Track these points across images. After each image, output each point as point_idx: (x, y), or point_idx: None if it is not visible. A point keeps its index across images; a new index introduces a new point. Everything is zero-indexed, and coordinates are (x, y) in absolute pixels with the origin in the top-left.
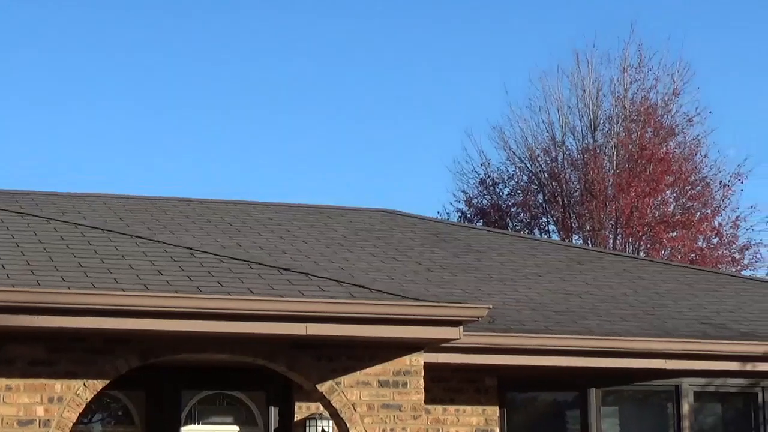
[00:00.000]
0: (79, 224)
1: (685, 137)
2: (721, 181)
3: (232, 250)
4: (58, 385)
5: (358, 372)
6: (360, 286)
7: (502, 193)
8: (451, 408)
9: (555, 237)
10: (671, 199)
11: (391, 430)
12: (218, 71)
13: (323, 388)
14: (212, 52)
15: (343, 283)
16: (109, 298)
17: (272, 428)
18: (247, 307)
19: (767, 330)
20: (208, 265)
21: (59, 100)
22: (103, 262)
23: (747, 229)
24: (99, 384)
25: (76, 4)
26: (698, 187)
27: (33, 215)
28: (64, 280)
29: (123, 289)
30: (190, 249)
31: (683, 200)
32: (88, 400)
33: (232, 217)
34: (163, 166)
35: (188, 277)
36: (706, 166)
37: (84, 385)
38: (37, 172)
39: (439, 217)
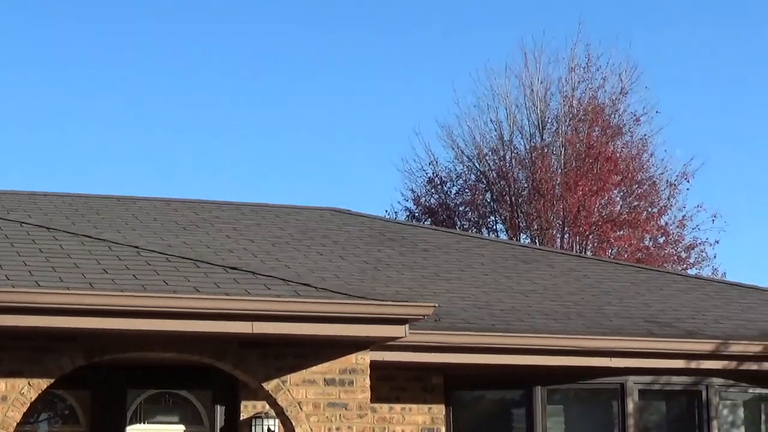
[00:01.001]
0: (24, 223)
1: (632, 136)
2: (667, 180)
3: (179, 248)
4: (2, 384)
5: (304, 370)
6: (306, 284)
7: (450, 191)
8: (398, 407)
9: (503, 236)
10: (618, 198)
11: (337, 428)
12: (169, 69)
13: (269, 386)
14: (156, 50)
15: (290, 281)
16: (54, 297)
17: (218, 427)
18: (193, 306)
19: (712, 328)
20: (154, 263)
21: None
22: (48, 260)
23: (693, 228)
24: (44, 383)
25: None
26: (645, 186)
27: None
28: (8, 279)
29: (68, 288)
30: (137, 248)
31: (630, 199)
32: (33, 399)
33: (179, 215)
34: (110, 164)
35: (134, 275)
36: (653, 165)
37: (29, 384)
38: None
39: (388, 216)
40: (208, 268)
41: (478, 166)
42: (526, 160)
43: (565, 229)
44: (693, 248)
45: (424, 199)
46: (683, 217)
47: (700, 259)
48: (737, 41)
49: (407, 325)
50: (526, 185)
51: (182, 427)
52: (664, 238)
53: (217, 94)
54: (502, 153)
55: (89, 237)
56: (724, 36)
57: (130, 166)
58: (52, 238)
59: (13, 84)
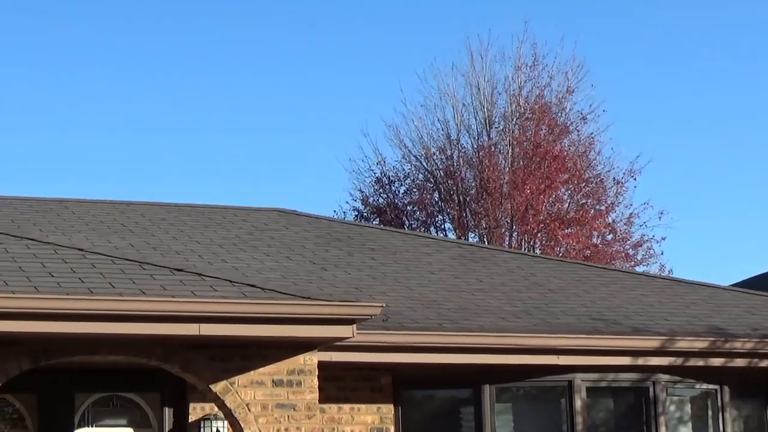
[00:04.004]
0: None
1: (579, 135)
2: (614, 178)
3: (125, 250)
4: None
5: (252, 372)
6: (252, 285)
7: (398, 191)
8: (346, 407)
9: (451, 235)
10: (566, 197)
11: (286, 429)
12: (110, 63)
13: (217, 388)
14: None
15: (236, 282)
16: None
17: (166, 429)
18: (139, 308)
19: (659, 325)
20: (100, 266)
21: None
22: None
23: (640, 226)
24: None
25: None
26: (592, 184)
27: None
28: None
29: (13, 292)
30: (82, 250)
31: (578, 197)
32: None
33: (125, 217)
34: (54, 167)
35: (80, 278)
36: (600, 163)
37: None
38: None
39: (335, 217)
40: (154, 270)
41: (425, 165)
42: (474, 159)
43: (514, 227)
44: (641, 245)
45: (372, 199)
46: (630, 214)
47: (647, 256)
48: (683, 37)
49: (355, 326)
50: (473, 184)
51: (130, 429)
52: (612, 235)
53: (160, 94)
54: (449, 152)
55: (34, 240)
56: (669, 32)
57: (75, 168)
58: None
59: None
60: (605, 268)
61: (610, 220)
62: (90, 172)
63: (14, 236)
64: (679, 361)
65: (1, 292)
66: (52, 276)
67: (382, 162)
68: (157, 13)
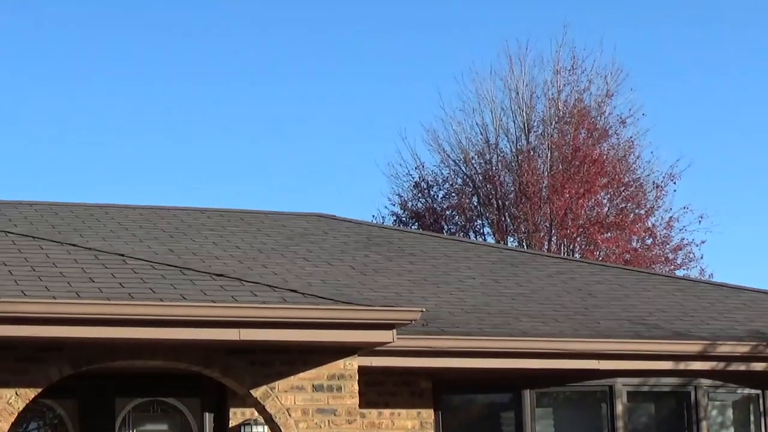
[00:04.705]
0: (9, 232)
1: (618, 139)
2: (654, 182)
3: (165, 256)
4: None
5: (292, 377)
6: (293, 290)
7: (437, 196)
8: (386, 412)
9: (490, 239)
10: (605, 201)
11: None
12: (151, 76)
13: (257, 393)
14: (145, 51)
15: (276, 288)
16: (40, 306)
17: None
18: (180, 313)
19: (700, 329)
20: (141, 271)
21: None
22: (34, 269)
23: (680, 230)
24: (31, 393)
25: None
26: (632, 188)
27: None
28: None
29: (54, 297)
30: (123, 255)
31: (617, 201)
32: (21, 409)
33: (165, 223)
34: (95, 173)
35: (120, 283)
36: (639, 167)
37: (16, 394)
38: None
39: (374, 221)
40: (195, 275)
41: (464, 169)
42: (513, 163)
43: (553, 231)
44: (680, 249)
45: (410, 203)
46: (670, 218)
47: (687, 260)
48: (722, 42)
49: (395, 330)
50: (512, 188)
51: None
52: (651, 239)
53: (202, 101)
54: (488, 156)
55: (75, 246)
56: (710, 37)
57: (116, 174)
58: (38, 248)
59: None
60: (646, 273)
61: (650, 224)
62: (131, 178)
63: (55, 242)
64: (720, 365)
65: (43, 298)
66: (93, 281)
67: (421, 166)
68: (203, 21)
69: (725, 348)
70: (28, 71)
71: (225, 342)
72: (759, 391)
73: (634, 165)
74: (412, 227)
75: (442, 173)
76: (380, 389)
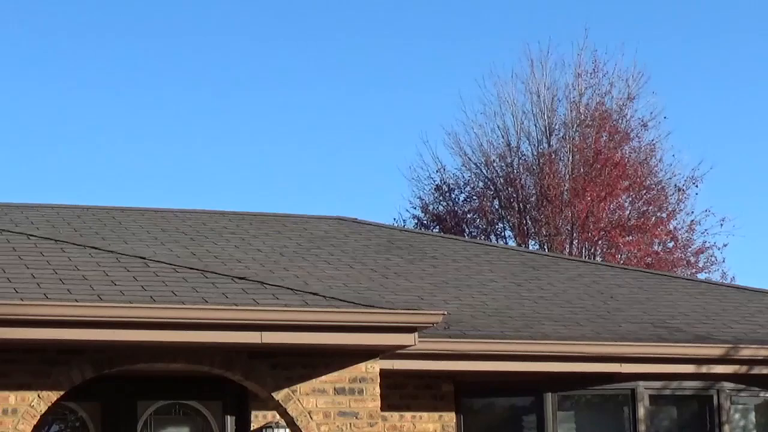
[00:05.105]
0: (31, 235)
1: (640, 142)
2: (675, 185)
3: (187, 259)
4: (12, 397)
5: (314, 380)
6: (314, 293)
7: (458, 199)
8: (408, 415)
9: (511, 243)
10: (627, 204)
11: None
12: (175, 78)
13: (279, 396)
14: (168, 60)
15: (298, 291)
16: (62, 309)
17: None
18: (202, 317)
19: (722, 333)
20: (162, 274)
21: (15, 106)
22: (56, 272)
23: (702, 233)
24: (53, 395)
25: None
26: (653, 192)
27: None
28: (16, 292)
29: (76, 300)
30: (144, 258)
31: (638, 204)
32: (43, 411)
33: (186, 226)
34: (117, 176)
35: (142, 286)
36: (661, 170)
37: (38, 396)
38: None
39: (395, 224)
40: (217, 278)
41: (485, 172)
42: (534, 167)
43: (574, 234)
44: (702, 252)
45: (431, 206)
46: (692, 221)
47: (709, 264)
48: (743, 44)
49: (417, 333)
50: (534, 191)
51: None
52: (673, 242)
53: (222, 104)
54: (509, 159)
55: (97, 248)
56: (730, 39)
57: (137, 177)
58: (60, 250)
59: (16, 94)
60: (668, 276)
61: (672, 228)
62: (152, 181)
63: (77, 245)
64: (743, 369)
65: (65, 300)
66: (115, 284)
67: (442, 169)
68: (227, 26)
69: (748, 351)
70: (57, 73)
71: (247, 345)
72: None
73: (655, 168)
74: (433, 230)
75: (463, 176)
76: (402, 392)
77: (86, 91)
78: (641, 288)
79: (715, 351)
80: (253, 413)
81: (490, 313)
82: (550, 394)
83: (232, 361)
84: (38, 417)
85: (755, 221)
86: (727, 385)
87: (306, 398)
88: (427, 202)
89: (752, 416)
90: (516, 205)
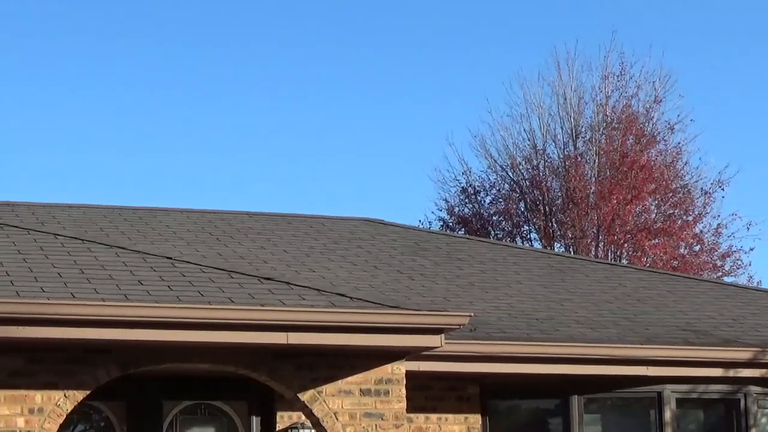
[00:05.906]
0: (58, 235)
1: (666, 145)
2: (702, 189)
3: (213, 259)
4: (38, 396)
5: (339, 381)
6: (341, 294)
7: (484, 201)
8: (434, 416)
9: (537, 245)
10: (653, 207)
11: None
12: (200, 79)
13: (305, 397)
14: (193, 60)
15: (324, 292)
16: (89, 309)
17: None
18: (228, 317)
19: (749, 336)
20: (189, 274)
21: (38, 107)
22: (82, 272)
23: (728, 236)
24: (79, 395)
25: None
26: (680, 195)
27: (12, 226)
28: (43, 291)
29: (103, 300)
30: (171, 259)
31: (665, 207)
32: (69, 411)
33: (212, 226)
34: (144, 176)
35: (168, 286)
36: (687, 173)
37: (64, 396)
38: (17, 181)
39: (421, 226)
40: (243, 278)
41: (511, 175)
42: (560, 169)
43: (600, 237)
44: (728, 256)
45: (457, 208)
46: (718, 225)
47: (735, 267)
48: None
49: (443, 335)
50: (560, 194)
51: None
52: (699, 246)
53: (251, 107)
54: (535, 162)
55: (123, 248)
56: (758, 42)
57: (164, 178)
58: (87, 250)
59: (44, 96)
60: (695, 279)
61: (698, 231)
62: (179, 182)
63: (104, 244)
64: None
65: (92, 300)
66: (142, 284)
67: (468, 172)
68: (267, 30)
69: None
70: (89, 73)
71: (272, 345)
72: None
73: (682, 171)
74: (459, 233)
75: (489, 179)
76: (428, 394)
77: (114, 92)
78: (668, 291)
79: (743, 354)
80: (279, 414)
81: (516, 315)
82: (576, 396)
83: (258, 361)
84: (64, 416)
85: None
86: (755, 389)
87: (332, 399)
88: (453, 204)
89: None
90: (542, 208)
